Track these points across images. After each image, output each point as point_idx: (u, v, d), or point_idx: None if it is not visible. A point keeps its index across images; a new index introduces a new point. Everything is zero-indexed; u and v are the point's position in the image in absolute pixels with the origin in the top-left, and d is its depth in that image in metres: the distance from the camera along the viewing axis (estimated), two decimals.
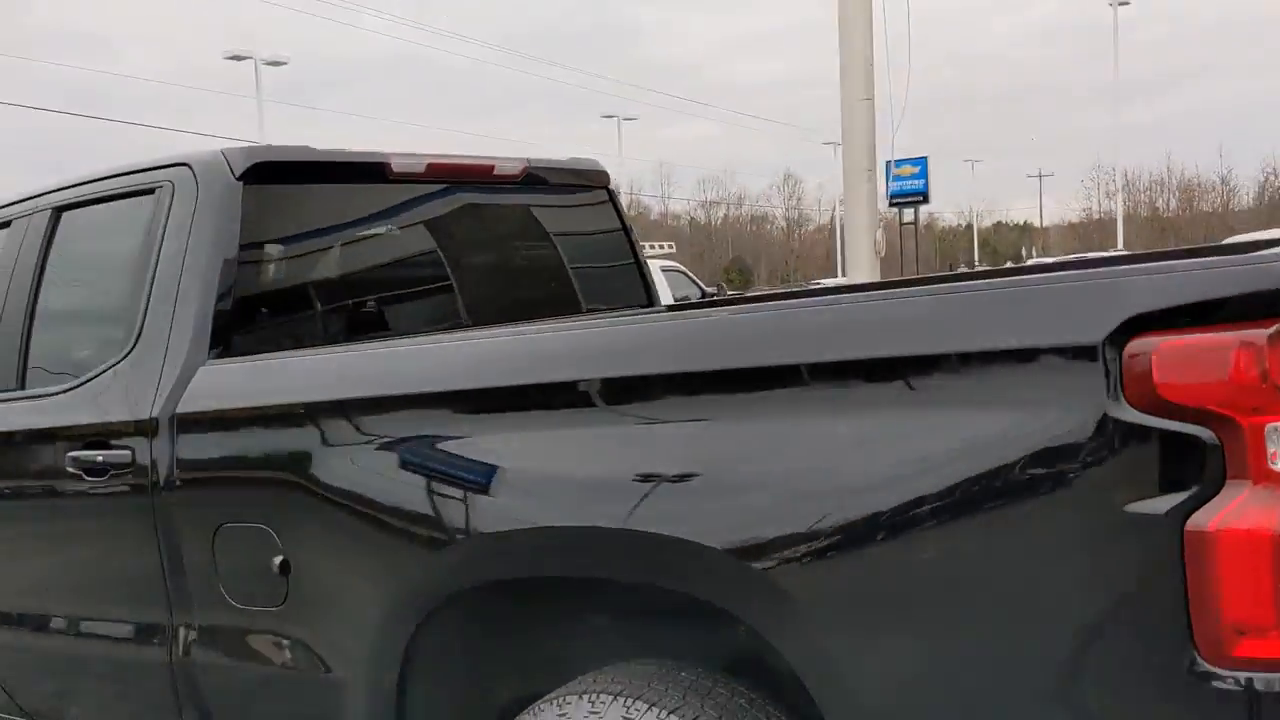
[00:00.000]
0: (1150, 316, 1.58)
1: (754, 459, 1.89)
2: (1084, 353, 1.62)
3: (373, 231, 3.39)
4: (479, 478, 2.20)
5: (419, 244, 3.55)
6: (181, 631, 2.77)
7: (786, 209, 79.91)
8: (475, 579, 2.28)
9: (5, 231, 3.45)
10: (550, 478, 2.13)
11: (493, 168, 3.56)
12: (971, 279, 2.58)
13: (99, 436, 2.88)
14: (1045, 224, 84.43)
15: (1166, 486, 1.56)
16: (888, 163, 34.22)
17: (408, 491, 2.30)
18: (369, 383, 2.47)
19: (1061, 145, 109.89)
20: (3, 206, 3.57)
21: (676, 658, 2.24)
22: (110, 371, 2.94)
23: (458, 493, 2.22)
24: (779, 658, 2.03)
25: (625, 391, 2.10)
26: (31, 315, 3.24)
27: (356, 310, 3.28)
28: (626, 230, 4.04)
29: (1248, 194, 72.23)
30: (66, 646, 3.10)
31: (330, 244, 3.24)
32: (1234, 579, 1.52)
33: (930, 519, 1.72)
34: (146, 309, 2.91)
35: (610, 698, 2.11)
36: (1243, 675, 1.53)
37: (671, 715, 2.03)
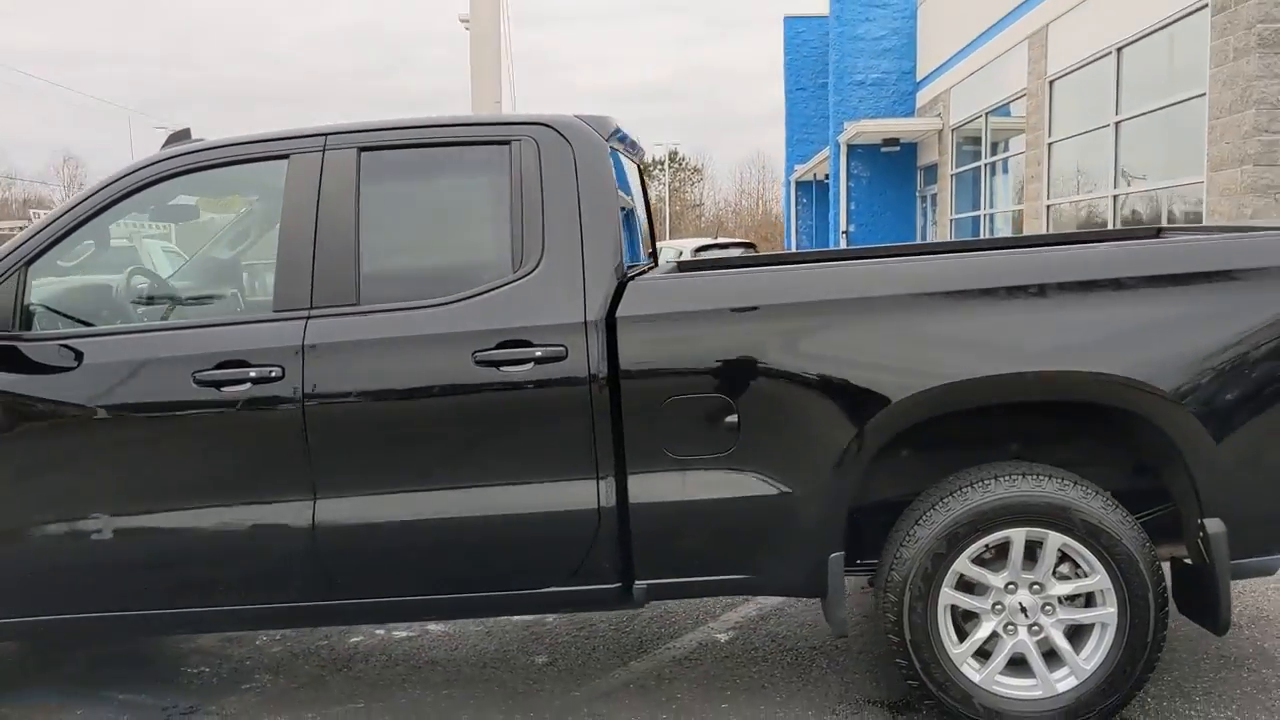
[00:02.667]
0: None
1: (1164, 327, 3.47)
2: None
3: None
4: (951, 341, 3.48)
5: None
6: (606, 483, 3.58)
7: (67, 192, 72.94)
8: (929, 415, 3.55)
9: (284, 164, 3.78)
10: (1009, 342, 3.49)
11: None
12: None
13: (515, 337, 3.56)
14: None
15: None
16: None
17: (886, 357, 3.48)
18: (838, 288, 3.54)
19: None
20: (260, 141, 3.87)
21: (1030, 460, 3.70)
22: (509, 286, 3.61)
23: (936, 350, 3.48)
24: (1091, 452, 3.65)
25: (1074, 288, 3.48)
26: (358, 240, 3.69)
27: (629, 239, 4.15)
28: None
29: None
30: (483, 509, 3.63)
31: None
32: None
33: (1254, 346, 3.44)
34: (544, 236, 3.64)
35: (1020, 476, 3.54)
36: None
37: (1064, 482, 3.52)
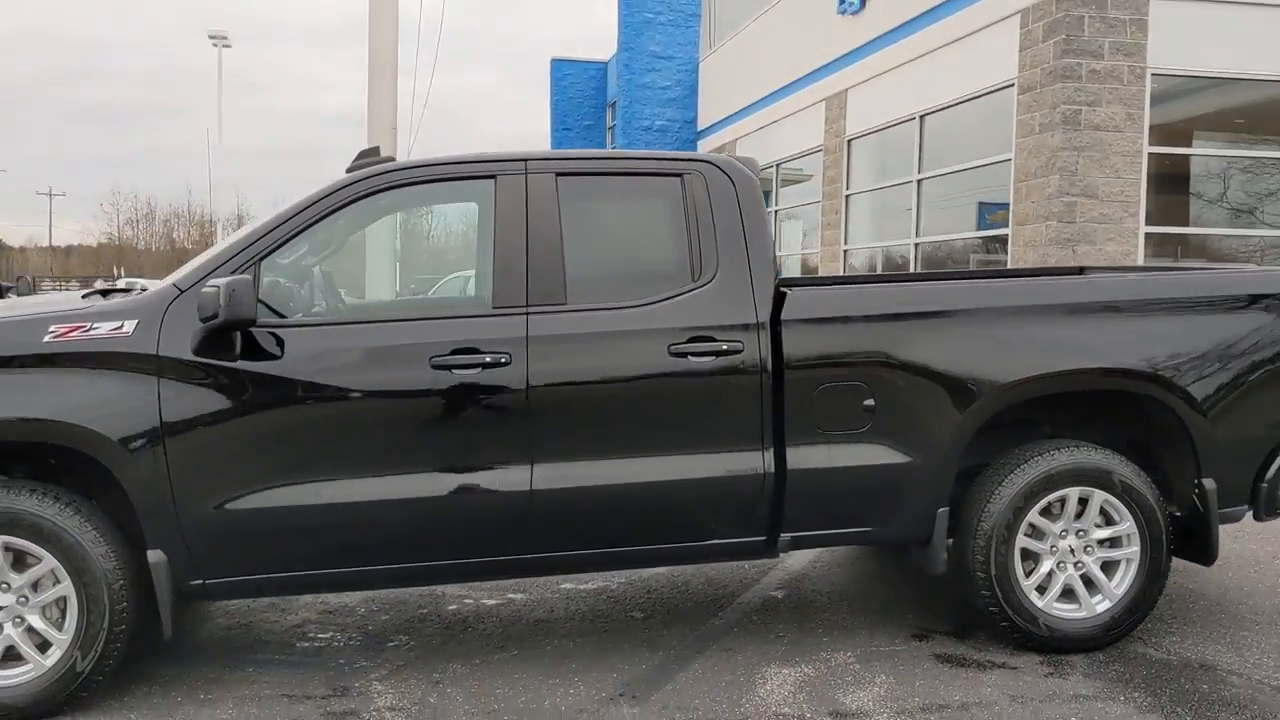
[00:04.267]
0: None
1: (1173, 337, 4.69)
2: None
3: None
4: (1037, 343, 4.56)
5: None
6: (768, 453, 4.43)
7: None
8: (1019, 399, 4.60)
9: (491, 183, 4.45)
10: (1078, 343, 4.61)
11: None
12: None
13: (702, 333, 4.38)
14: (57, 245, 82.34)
15: None
16: None
17: (991, 355, 4.52)
18: (952, 300, 4.58)
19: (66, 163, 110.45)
20: (465, 162, 4.51)
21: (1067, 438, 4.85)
22: (694, 292, 4.43)
23: (1029, 350, 4.55)
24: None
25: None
26: (562, 249, 4.41)
27: None
28: None
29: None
30: (669, 474, 4.36)
31: None
32: None
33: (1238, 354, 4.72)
34: (718, 252, 4.48)
35: (1075, 448, 4.66)
36: None
37: (1105, 453, 4.68)
